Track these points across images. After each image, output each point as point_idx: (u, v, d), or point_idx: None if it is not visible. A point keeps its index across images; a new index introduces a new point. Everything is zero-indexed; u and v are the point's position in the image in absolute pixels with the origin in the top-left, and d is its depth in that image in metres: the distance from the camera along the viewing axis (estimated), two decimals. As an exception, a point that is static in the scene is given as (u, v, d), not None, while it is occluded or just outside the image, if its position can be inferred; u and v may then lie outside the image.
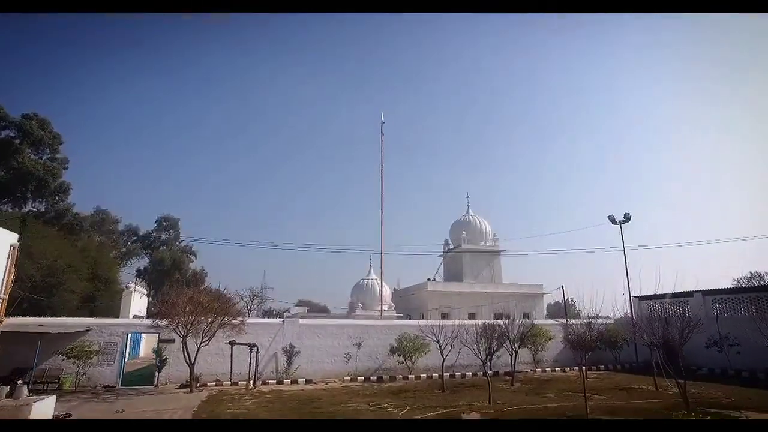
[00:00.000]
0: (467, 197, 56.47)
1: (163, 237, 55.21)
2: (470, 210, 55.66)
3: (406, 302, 51.48)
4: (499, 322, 20.27)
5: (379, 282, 44.93)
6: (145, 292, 36.26)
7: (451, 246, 55.06)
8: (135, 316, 33.10)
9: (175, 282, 49.38)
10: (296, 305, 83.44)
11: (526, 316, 50.35)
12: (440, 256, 56.15)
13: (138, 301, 34.21)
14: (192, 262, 58.12)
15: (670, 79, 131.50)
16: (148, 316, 37.77)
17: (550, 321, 22.35)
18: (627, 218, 24.30)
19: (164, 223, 54.34)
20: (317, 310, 77.40)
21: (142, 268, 52.02)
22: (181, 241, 57.58)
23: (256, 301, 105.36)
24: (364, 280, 46.91)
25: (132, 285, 32.40)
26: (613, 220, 24.54)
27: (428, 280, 50.24)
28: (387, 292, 46.27)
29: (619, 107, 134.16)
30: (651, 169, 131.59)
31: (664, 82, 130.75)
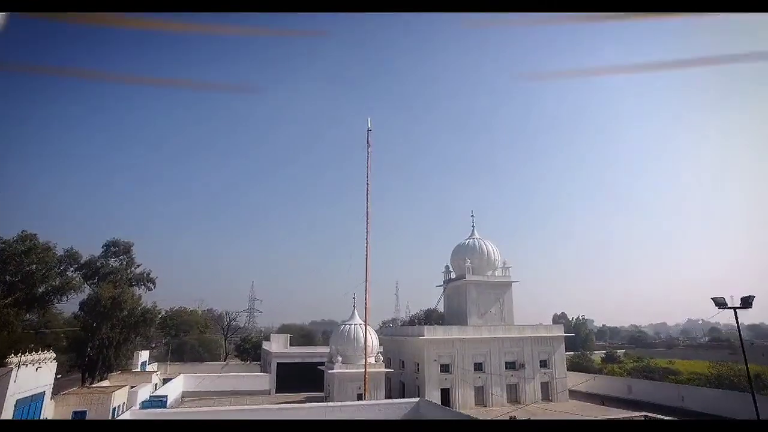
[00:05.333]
0: (472, 216, 46.56)
1: (113, 264, 45.52)
2: (475, 232, 45.79)
3: (398, 347, 41.72)
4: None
5: (363, 327, 35.31)
6: (51, 357, 26.59)
7: (453, 275, 45.22)
8: (19, 401, 23.56)
9: (118, 323, 39.80)
10: (278, 331, 73.98)
11: (543, 363, 40.81)
12: (440, 286, 46.40)
13: (34, 376, 24.47)
14: (150, 290, 48.51)
15: (668, 79, 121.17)
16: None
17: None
18: (747, 303, 14.45)
19: (113, 248, 44.61)
20: (300, 336, 67.94)
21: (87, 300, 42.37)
22: (138, 266, 47.98)
23: (247, 315, 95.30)
24: (345, 325, 37.15)
25: (13, 359, 22.69)
26: (722, 303, 14.60)
27: (425, 323, 40.58)
28: (373, 341, 36.56)
29: (621, 111, 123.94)
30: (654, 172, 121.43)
31: (662, 81, 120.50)
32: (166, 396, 29.26)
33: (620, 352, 74.77)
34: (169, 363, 56.82)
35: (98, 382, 38.41)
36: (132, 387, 38.54)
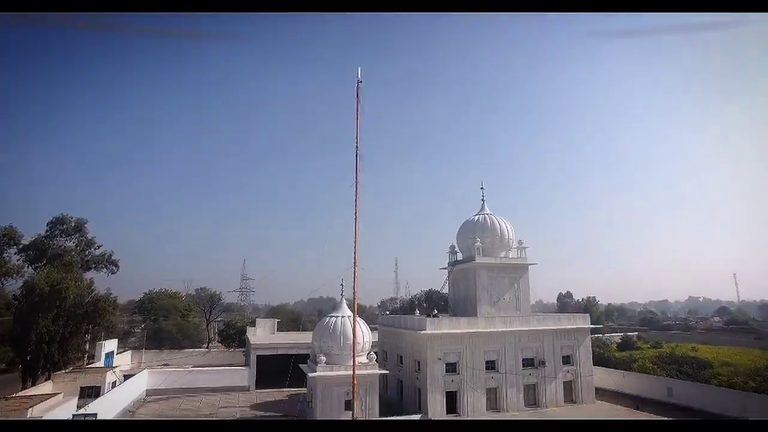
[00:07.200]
0: (482, 188, 39.03)
1: (66, 245, 38.55)
2: (485, 206, 38.47)
3: (395, 340, 35.06)
4: None
5: (352, 320, 28.41)
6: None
7: (460, 256, 38.17)
8: None
9: (63, 314, 32.97)
10: (267, 315, 67.77)
11: (566, 359, 34.35)
12: (444, 269, 39.41)
13: None
14: (114, 273, 41.78)
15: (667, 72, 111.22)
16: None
17: None
18: None
19: (60, 226, 37.51)
20: (290, 320, 61.51)
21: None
22: (97, 246, 41.01)
23: (239, 295, 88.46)
24: (331, 317, 30.28)
25: None
26: None
27: (427, 315, 33.89)
28: (364, 336, 29.78)
29: (622, 106, 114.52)
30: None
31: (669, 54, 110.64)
32: (95, 414, 22.47)
33: (632, 334, 68.70)
34: (144, 352, 50.76)
35: (42, 382, 32.08)
36: (83, 387, 32.30)
